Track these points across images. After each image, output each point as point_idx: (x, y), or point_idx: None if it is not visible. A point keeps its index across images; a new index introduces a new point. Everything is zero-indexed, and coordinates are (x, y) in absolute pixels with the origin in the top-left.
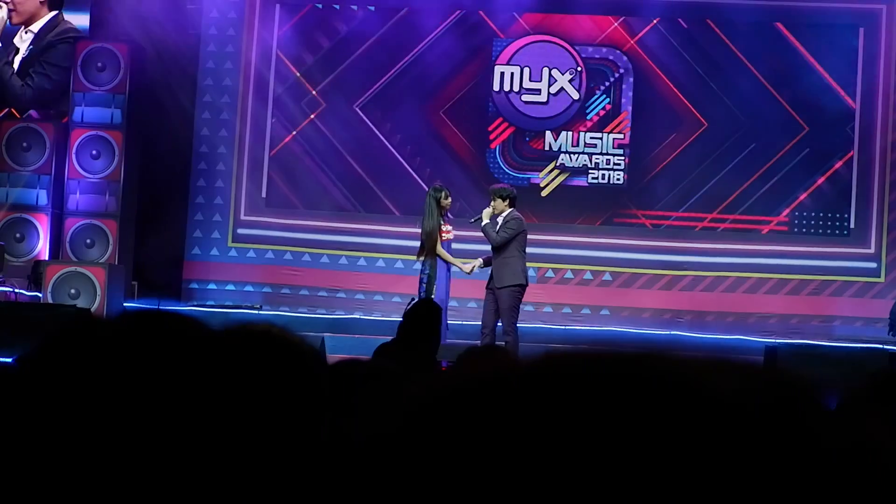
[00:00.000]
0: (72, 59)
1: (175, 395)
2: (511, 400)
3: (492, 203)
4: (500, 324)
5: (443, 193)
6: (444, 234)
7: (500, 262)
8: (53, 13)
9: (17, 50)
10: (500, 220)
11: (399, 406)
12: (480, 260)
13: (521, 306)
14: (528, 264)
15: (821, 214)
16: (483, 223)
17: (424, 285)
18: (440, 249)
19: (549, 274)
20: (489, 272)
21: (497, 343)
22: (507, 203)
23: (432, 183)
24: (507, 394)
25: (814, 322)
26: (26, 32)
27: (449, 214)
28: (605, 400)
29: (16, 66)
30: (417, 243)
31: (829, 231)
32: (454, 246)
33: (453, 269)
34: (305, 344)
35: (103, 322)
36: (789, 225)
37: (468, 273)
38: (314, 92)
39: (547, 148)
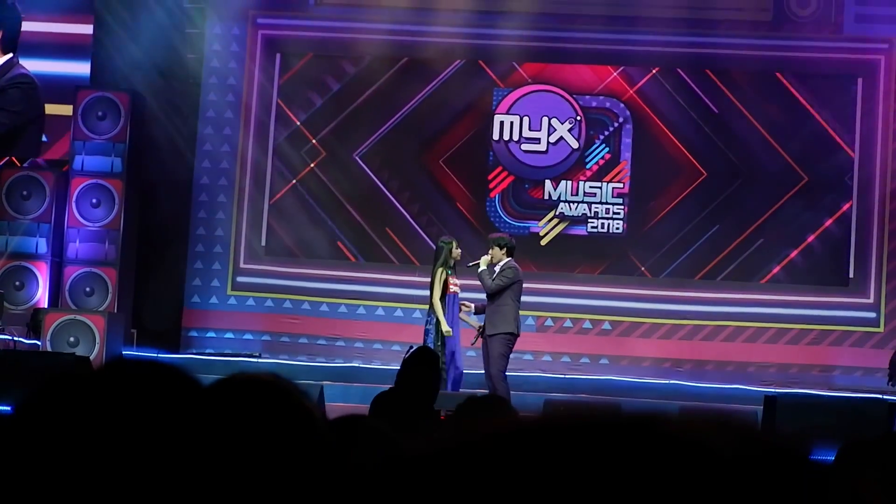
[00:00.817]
0: (24, 104)
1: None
2: (509, 460)
3: (490, 251)
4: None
5: (453, 244)
6: (451, 287)
7: (494, 310)
8: (7, 56)
9: None
10: (497, 268)
11: (397, 463)
12: (472, 318)
13: (521, 355)
14: (527, 312)
15: (819, 264)
16: (480, 269)
17: (430, 336)
18: (435, 301)
19: (549, 322)
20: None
21: (495, 394)
22: (504, 252)
23: (436, 233)
24: (504, 454)
25: (813, 372)
26: None
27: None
28: (606, 464)
29: None
30: (416, 292)
31: (828, 281)
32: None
33: (460, 317)
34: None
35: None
36: (788, 275)
37: (445, 334)
38: (314, 140)
39: (546, 197)
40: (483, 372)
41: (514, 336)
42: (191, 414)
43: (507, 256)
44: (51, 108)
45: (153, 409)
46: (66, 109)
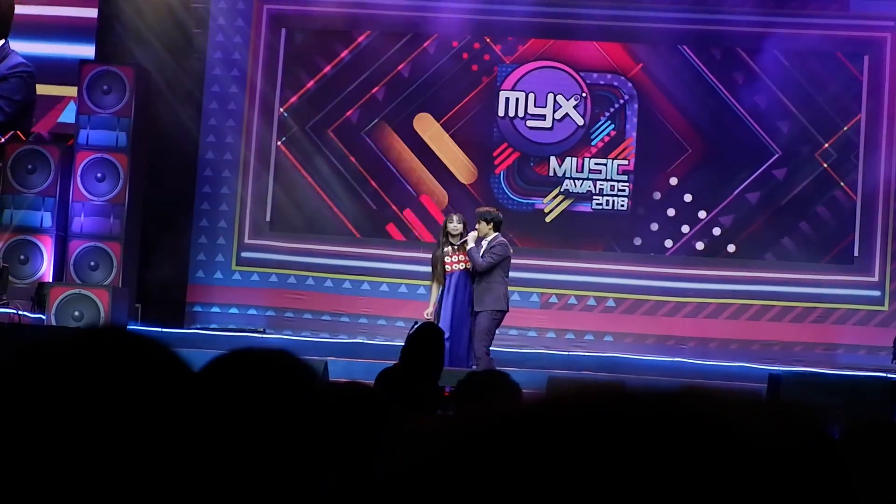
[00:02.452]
0: (24, 93)
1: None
2: (530, 443)
3: (476, 226)
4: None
5: (448, 218)
6: (451, 265)
7: (483, 287)
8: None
9: None
10: (484, 243)
11: (411, 451)
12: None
13: (525, 332)
14: (531, 289)
15: (825, 242)
16: (469, 246)
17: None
18: (434, 283)
19: (553, 299)
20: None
21: (497, 369)
22: (490, 227)
23: (441, 209)
24: (525, 438)
25: (817, 350)
26: None
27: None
28: (620, 442)
29: None
30: (420, 268)
31: (832, 259)
32: None
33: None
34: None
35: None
36: (793, 253)
37: (426, 315)
38: (319, 116)
39: (551, 173)
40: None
41: (503, 313)
42: (187, 387)
43: (495, 231)
44: (56, 90)
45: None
46: (71, 91)
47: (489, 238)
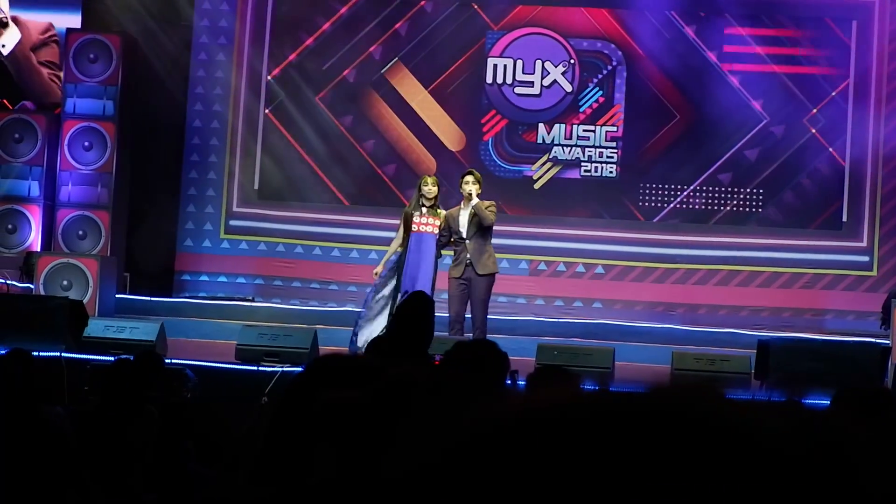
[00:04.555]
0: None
1: None
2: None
3: (473, 185)
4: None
5: (422, 180)
6: (419, 225)
7: (481, 249)
8: None
9: None
10: (474, 202)
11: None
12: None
13: (514, 299)
14: (520, 256)
15: (813, 208)
16: (474, 202)
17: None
18: (395, 241)
19: (542, 266)
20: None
21: (486, 338)
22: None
23: (424, 174)
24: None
25: (806, 316)
26: None
27: (441, 209)
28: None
29: None
30: None
31: (821, 225)
32: None
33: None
34: None
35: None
36: (781, 219)
37: (373, 275)
38: (306, 83)
39: (540, 140)
40: (448, 315)
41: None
42: None
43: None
44: None
45: None
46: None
47: (475, 200)
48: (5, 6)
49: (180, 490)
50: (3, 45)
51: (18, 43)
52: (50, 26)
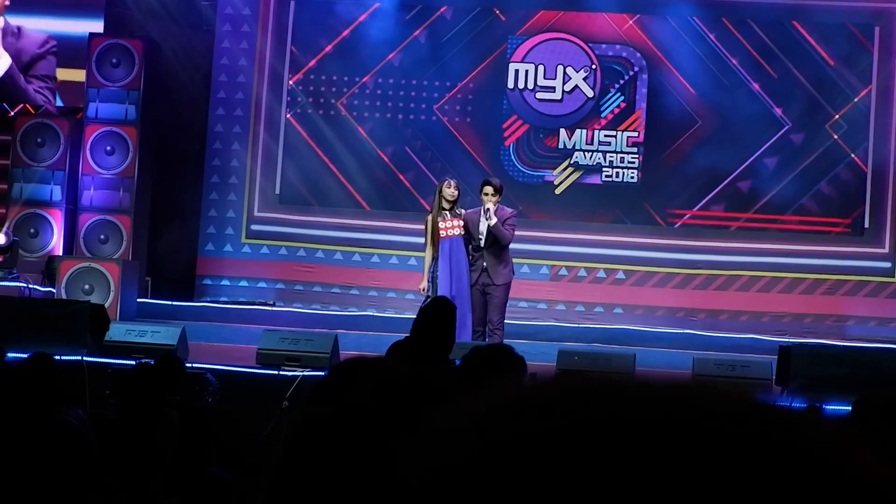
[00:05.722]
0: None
1: None
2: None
3: (493, 197)
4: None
5: (443, 184)
6: (446, 230)
7: (498, 260)
8: None
9: None
10: (492, 214)
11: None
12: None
13: (535, 304)
14: (541, 262)
15: (835, 214)
16: (493, 223)
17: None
18: (426, 253)
19: (563, 272)
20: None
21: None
22: (499, 196)
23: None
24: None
25: (827, 322)
26: None
27: (461, 209)
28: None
29: None
30: None
31: (843, 230)
32: None
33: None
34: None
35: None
36: (804, 223)
37: (420, 292)
38: (328, 88)
39: (561, 146)
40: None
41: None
42: None
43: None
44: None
45: None
46: (79, 75)
47: (496, 208)
48: None
49: (201, 494)
50: None
51: (9, 68)
52: (49, 39)
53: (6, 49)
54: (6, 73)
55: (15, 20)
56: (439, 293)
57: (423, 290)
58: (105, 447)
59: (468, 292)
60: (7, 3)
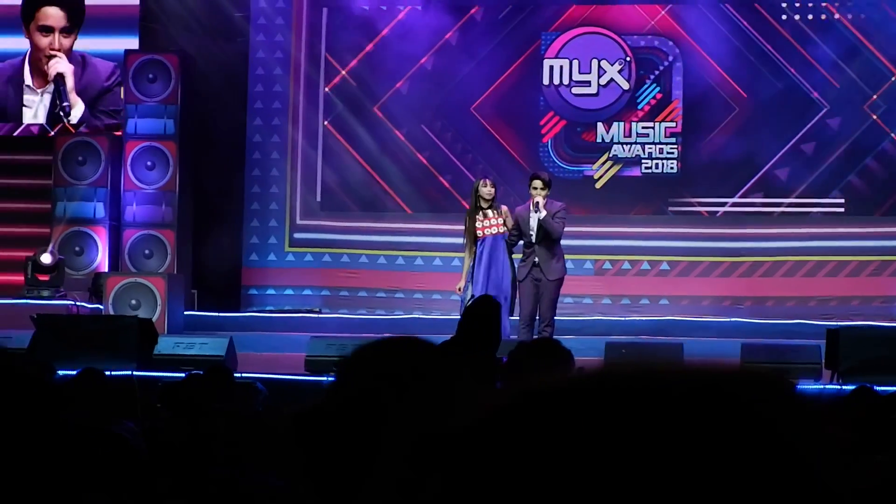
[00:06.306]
0: None
1: None
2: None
3: (543, 191)
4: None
5: (479, 182)
6: (483, 229)
7: (551, 254)
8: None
9: None
10: (542, 208)
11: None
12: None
13: (580, 299)
14: (585, 256)
15: (880, 194)
16: (543, 216)
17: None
18: (466, 254)
19: (607, 265)
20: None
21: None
22: (548, 190)
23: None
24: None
25: (875, 303)
26: None
27: (501, 206)
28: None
29: None
30: None
31: (886, 211)
32: None
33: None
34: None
35: None
36: (846, 206)
37: (457, 291)
38: (364, 93)
39: (599, 140)
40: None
41: None
42: None
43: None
44: None
45: None
46: None
47: (545, 202)
48: (69, 80)
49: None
50: (69, 119)
51: (83, 113)
52: (115, 69)
53: (75, 84)
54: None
55: (79, 40)
56: (475, 293)
57: (460, 289)
58: (156, 459)
59: (507, 291)
60: (76, 40)
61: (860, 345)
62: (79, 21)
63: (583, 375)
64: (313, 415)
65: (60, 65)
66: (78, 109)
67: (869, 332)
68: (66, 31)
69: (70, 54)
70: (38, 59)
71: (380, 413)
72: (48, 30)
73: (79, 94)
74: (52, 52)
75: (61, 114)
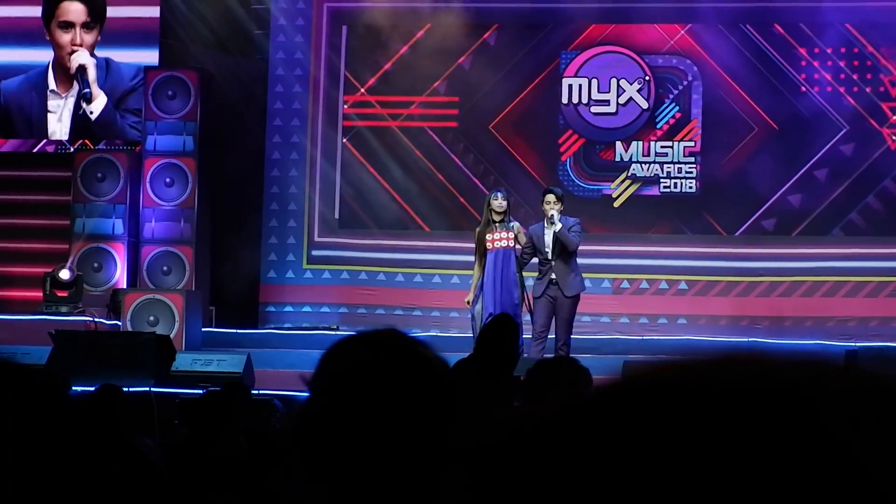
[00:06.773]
0: None
1: None
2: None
3: (556, 205)
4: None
5: (491, 196)
6: (493, 242)
7: (568, 269)
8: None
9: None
10: (557, 222)
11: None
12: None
13: (598, 318)
14: (603, 275)
15: (895, 215)
16: (559, 228)
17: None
18: (476, 268)
19: (625, 284)
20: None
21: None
22: (561, 205)
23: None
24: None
25: (894, 324)
26: None
27: (514, 223)
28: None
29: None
30: None
31: None
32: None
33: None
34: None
35: None
36: (865, 227)
37: (465, 303)
38: (383, 111)
39: (618, 158)
40: (530, 335)
41: None
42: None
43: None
44: None
45: None
46: None
47: (557, 216)
48: (91, 71)
49: None
50: (92, 112)
51: (105, 106)
52: (139, 72)
53: (98, 83)
54: (102, 111)
55: (98, 52)
56: (484, 306)
57: (468, 302)
58: (174, 475)
59: (516, 305)
60: (98, 38)
61: (879, 365)
62: (100, 17)
63: (633, 379)
64: (302, 416)
65: (82, 56)
66: (100, 102)
67: (888, 353)
68: (87, 27)
69: (92, 51)
70: (62, 58)
71: (359, 403)
72: (69, 25)
73: (106, 93)
74: (74, 48)
75: (83, 102)
